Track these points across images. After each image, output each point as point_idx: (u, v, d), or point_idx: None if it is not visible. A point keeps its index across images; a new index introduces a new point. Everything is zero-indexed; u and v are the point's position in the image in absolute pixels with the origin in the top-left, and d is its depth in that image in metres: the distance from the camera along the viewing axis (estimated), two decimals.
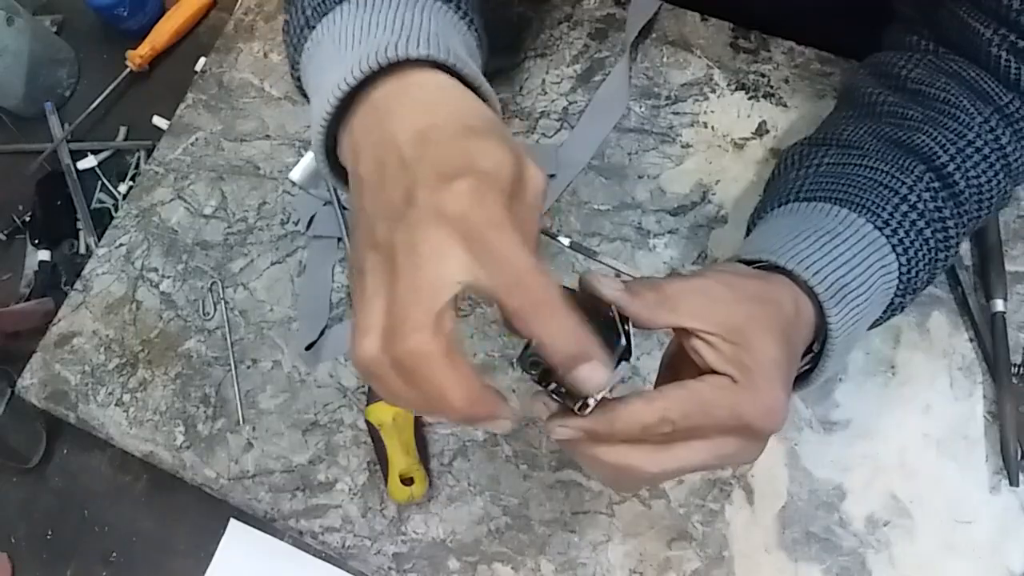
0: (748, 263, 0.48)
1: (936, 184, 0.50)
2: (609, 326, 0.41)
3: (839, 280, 0.46)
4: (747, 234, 0.56)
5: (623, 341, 0.41)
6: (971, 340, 0.64)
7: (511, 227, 0.37)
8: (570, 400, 0.41)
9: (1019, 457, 0.60)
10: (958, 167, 0.50)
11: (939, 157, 0.50)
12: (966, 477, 0.61)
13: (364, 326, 0.37)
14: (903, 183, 0.49)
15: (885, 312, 0.51)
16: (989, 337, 0.63)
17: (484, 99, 0.44)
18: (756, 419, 0.41)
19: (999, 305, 0.63)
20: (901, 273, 0.49)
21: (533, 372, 0.41)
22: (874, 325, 0.52)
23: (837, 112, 0.59)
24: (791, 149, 0.57)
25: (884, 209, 0.48)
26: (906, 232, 0.48)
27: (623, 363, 0.41)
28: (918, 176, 0.49)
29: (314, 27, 0.48)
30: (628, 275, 0.67)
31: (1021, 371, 0.62)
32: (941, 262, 0.51)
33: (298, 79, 0.51)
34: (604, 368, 0.38)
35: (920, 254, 0.49)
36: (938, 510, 0.61)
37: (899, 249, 0.48)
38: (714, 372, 0.41)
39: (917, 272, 0.50)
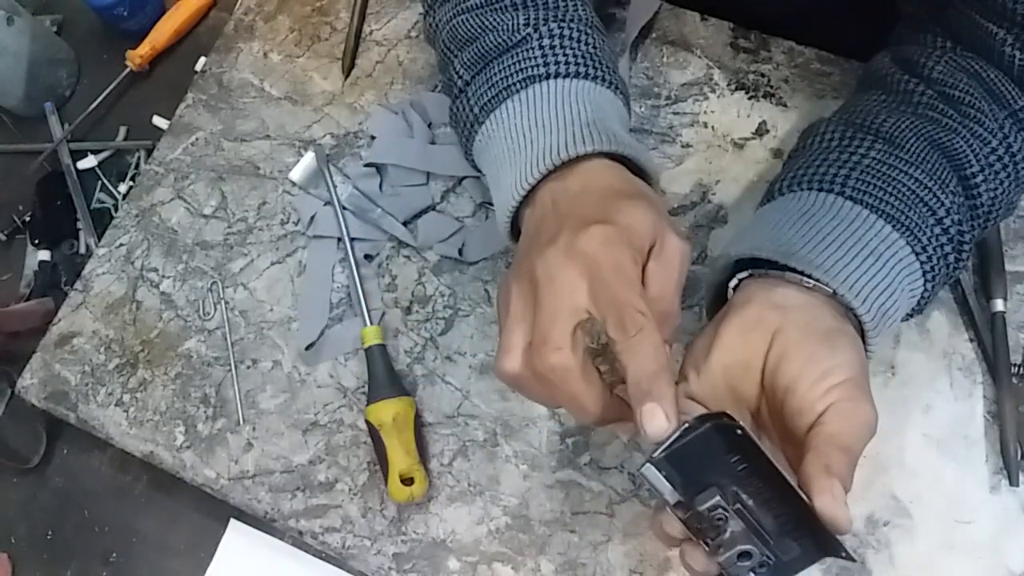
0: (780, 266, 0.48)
1: (962, 198, 0.50)
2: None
3: (882, 307, 0.47)
4: (768, 197, 0.55)
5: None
6: (971, 340, 0.64)
7: (629, 272, 0.44)
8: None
9: (1019, 457, 0.60)
10: (984, 178, 0.50)
11: (971, 166, 0.50)
12: (966, 477, 0.61)
13: (508, 344, 0.45)
14: (941, 203, 0.50)
15: None
16: (989, 337, 0.63)
17: (643, 168, 0.52)
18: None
19: (999, 305, 0.63)
20: (922, 296, 0.50)
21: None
22: None
23: (867, 93, 0.57)
24: (826, 125, 0.56)
25: (924, 232, 0.49)
26: (937, 258, 0.50)
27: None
28: (953, 192, 0.50)
29: (483, 122, 0.55)
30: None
31: (1021, 371, 0.62)
32: (947, 282, 0.53)
33: (471, 159, 0.59)
34: (667, 419, 0.41)
35: (939, 278, 0.50)
36: (938, 510, 0.61)
37: (929, 275, 0.50)
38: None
39: (932, 295, 0.51)
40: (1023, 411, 0.61)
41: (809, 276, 0.47)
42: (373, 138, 0.76)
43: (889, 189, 0.50)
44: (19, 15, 0.87)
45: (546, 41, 0.54)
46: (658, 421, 0.41)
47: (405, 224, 0.72)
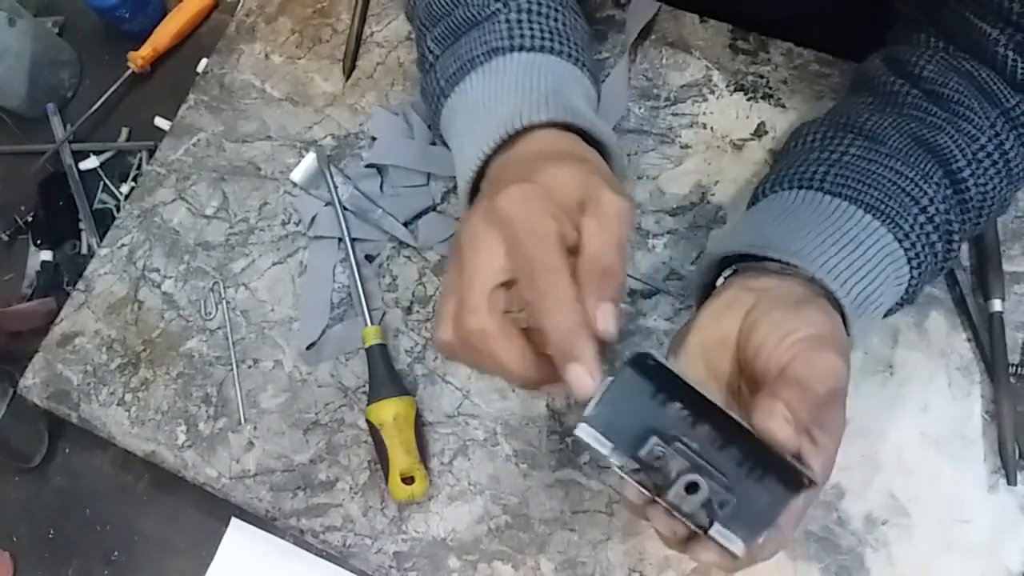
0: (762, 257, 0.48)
1: (949, 191, 0.51)
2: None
3: (862, 292, 0.47)
4: (753, 200, 0.56)
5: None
6: (969, 340, 0.64)
7: (543, 230, 0.42)
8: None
9: (1017, 456, 0.60)
10: (972, 172, 0.51)
11: (957, 161, 0.50)
12: (964, 476, 0.61)
13: (440, 314, 0.44)
14: (924, 192, 0.50)
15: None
16: (987, 337, 0.63)
17: (600, 140, 0.50)
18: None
19: (997, 305, 0.63)
20: (909, 284, 0.50)
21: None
22: None
23: (855, 97, 0.58)
24: (810, 126, 0.57)
25: (906, 220, 0.49)
26: (922, 246, 0.50)
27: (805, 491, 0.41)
28: (937, 183, 0.50)
29: (448, 95, 0.55)
30: (630, 275, 0.68)
31: (1019, 371, 0.62)
32: (937, 272, 0.53)
33: (439, 134, 0.59)
34: (590, 376, 0.39)
35: (926, 265, 0.50)
36: (936, 509, 0.61)
37: (914, 263, 0.50)
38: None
39: (920, 283, 0.51)
40: (1021, 411, 0.61)
41: (787, 263, 0.47)
42: (374, 139, 0.76)
43: (868, 181, 0.50)
44: (21, 16, 0.87)
45: (513, 16, 0.55)
46: (583, 380, 0.39)
47: (406, 224, 0.73)
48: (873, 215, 0.49)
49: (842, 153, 0.53)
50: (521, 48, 0.54)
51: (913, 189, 0.50)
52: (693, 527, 0.40)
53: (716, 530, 0.40)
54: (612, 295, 0.41)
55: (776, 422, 0.39)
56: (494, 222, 0.43)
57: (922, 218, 0.49)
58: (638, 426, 0.40)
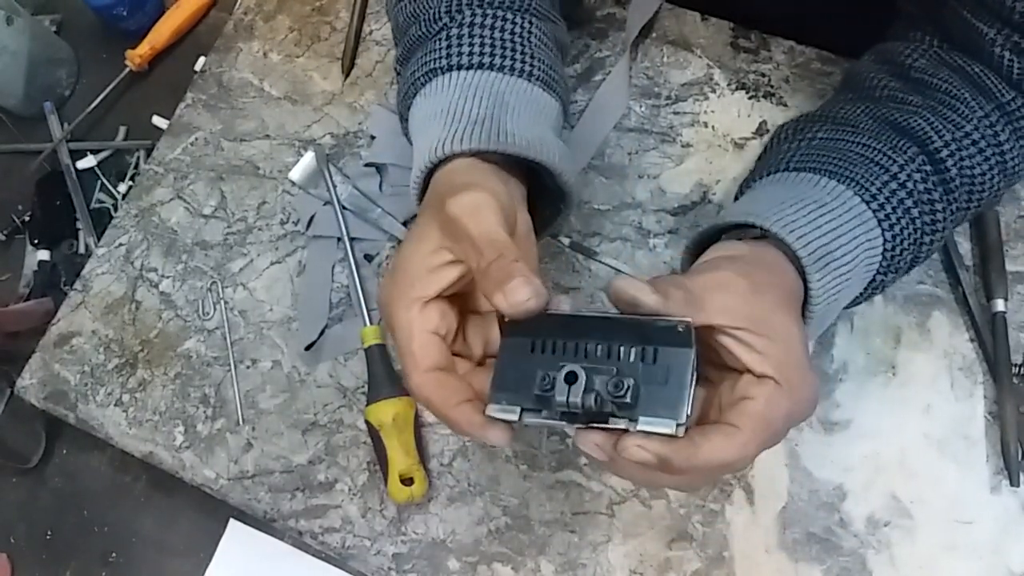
0: (734, 227, 0.49)
1: (928, 168, 0.50)
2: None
3: (823, 247, 0.46)
4: (736, 196, 0.57)
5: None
6: (972, 340, 0.64)
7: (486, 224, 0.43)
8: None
9: (1020, 457, 0.60)
10: (952, 154, 0.50)
11: (933, 142, 0.50)
12: (967, 477, 0.61)
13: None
14: (894, 161, 0.50)
15: (866, 289, 0.51)
16: (990, 337, 0.63)
17: (534, 158, 0.49)
18: (801, 414, 0.42)
19: (1000, 305, 0.63)
20: (885, 249, 0.49)
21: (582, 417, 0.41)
22: (854, 303, 0.53)
23: (838, 94, 0.60)
24: (786, 124, 0.58)
25: (873, 184, 0.49)
26: (893, 208, 0.49)
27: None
28: (910, 157, 0.50)
29: (406, 119, 0.55)
30: (630, 275, 0.68)
31: (1022, 371, 0.62)
32: (927, 246, 0.51)
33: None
34: (527, 281, 0.40)
35: (906, 232, 0.50)
36: (939, 510, 0.61)
37: (885, 224, 0.49)
38: (749, 372, 0.41)
39: (901, 251, 0.50)
40: (1023, 411, 0.61)
41: (743, 225, 0.47)
42: (373, 138, 0.76)
43: (834, 155, 0.50)
44: (18, 15, 0.87)
45: (455, 31, 0.53)
46: (519, 290, 0.40)
47: (405, 224, 0.72)
48: (838, 180, 0.49)
49: (810, 139, 0.54)
50: (458, 67, 0.52)
51: (881, 159, 0.50)
52: (609, 427, 0.40)
53: (642, 423, 0.39)
54: (504, 275, 0.41)
55: (620, 282, 0.40)
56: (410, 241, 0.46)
57: (893, 184, 0.49)
58: (533, 377, 0.41)
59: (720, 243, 0.50)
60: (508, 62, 0.53)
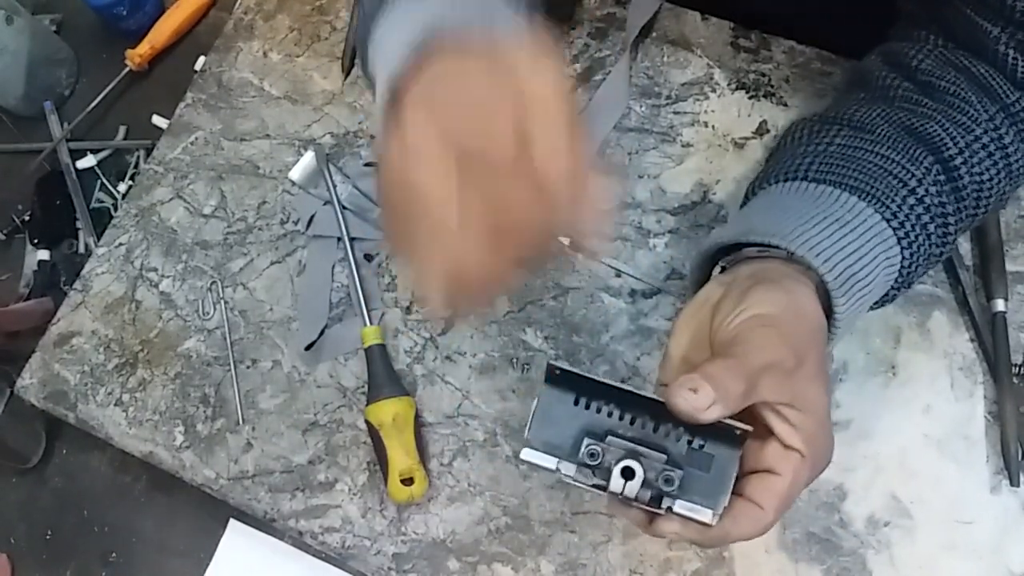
0: (754, 244, 0.48)
1: (942, 177, 0.50)
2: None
3: (848, 269, 0.46)
4: (744, 202, 0.56)
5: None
6: (972, 340, 0.64)
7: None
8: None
9: (1020, 457, 0.60)
10: (965, 161, 0.50)
11: (948, 149, 0.50)
12: (967, 477, 0.61)
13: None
14: (912, 175, 0.49)
15: (877, 302, 0.51)
16: (990, 337, 0.63)
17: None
18: (818, 476, 0.44)
19: (1000, 305, 0.63)
20: (903, 266, 0.49)
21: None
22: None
23: (848, 94, 0.58)
24: (799, 123, 0.57)
25: (893, 201, 0.48)
26: (912, 225, 0.49)
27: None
28: (927, 168, 0.50)
29: (376, 28, 0.49)
30: (630, 275, 0.68)
31: (1022, 371, 0.62)
32: (936, 257, 0.51)
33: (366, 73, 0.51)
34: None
35: (922, 248, 0.50)
36: (939, 510, 0.61)
37: (904, 243, 0.49)
38: (774, 439, 0.42)
39: (916, 267, 0.50)
40: None
41: (768, 246, 0.47)
42: (373, 137, 0.76)
43: (853, 166, 0.50)
44: (18, 14, 0.86)
45: None
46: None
47: None
48: (859, 196, 0.48)
49: (828, 144, 0.53)
50: None
51: (900, 172, 0.49)
52: (652, 510, 0.42)
53: (680, 506, 0.41)
54: (592, 180, 0.39)
55: (675, 392, 0.39)
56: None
57: (911, 199, 0.49)
58: (573, 434, 0.42)
59: (751, 263, 0.48)
60: None
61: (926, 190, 0.49)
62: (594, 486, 0.42)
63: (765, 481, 0.42)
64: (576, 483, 0.42)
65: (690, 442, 0.42)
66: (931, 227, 0.49)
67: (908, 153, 0.50)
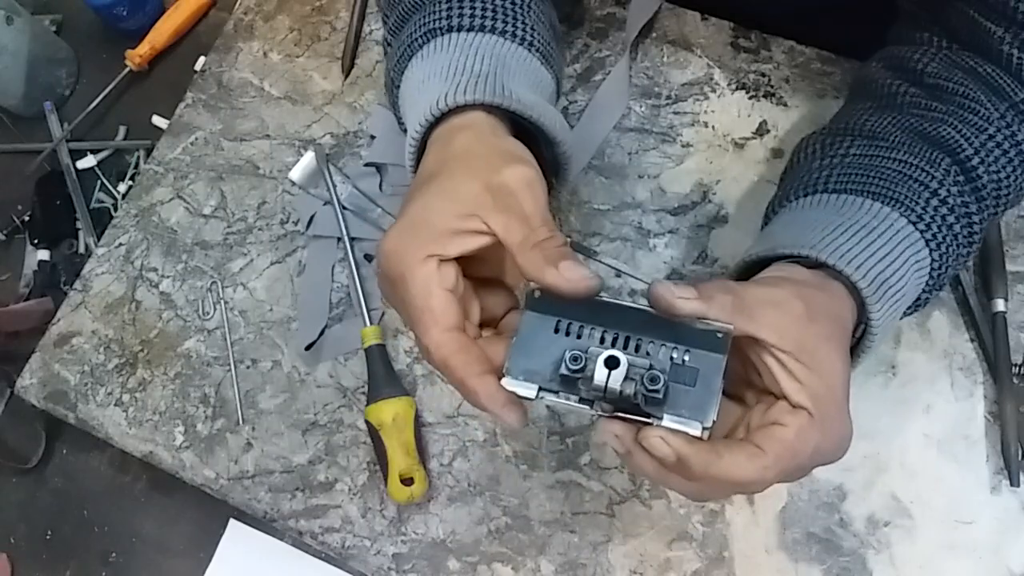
0: (782, 257, 0.48)
1: (961, 178, 0.50)
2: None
3: (880, 275, 0.46)
4: (765, 221, 0.56)
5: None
6: (972, 340, 0.64)
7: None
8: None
9: (1020, 457, 0.60)
10: (982, 160, 0.50)
11: (964, 150, 0.50)
12: (967, 477, 0.61)
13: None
14: (932, 177, 0.49)
15: (910, 308, 0.51)
16: (990, 337, 0.63)
17: (538, 123, 0.48)
18: (830, 454, 0.43)
19: (1000, 305, 0.63)
20: (933, 268, 0.49)
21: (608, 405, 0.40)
22: None
23: (854, 104, 0.58)
24: (810, 138, 0.56)
25: (917, 204, 0.48)
26: (938, 227, 0.48)
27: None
28: (945, 170, 0.49)
29: (399, 85, 0.54)
30: (630, 275, 0.68)
31: (1022, 371, 0.62)
32: (964, 257, 0.51)
33: (403, 126, 0.55)
34: (581, 267, 0.40)
35: (950, 249, 0.49)
36: (939, 510, 0.61)
37: (932, 244, 0.48)
38: (785, 399, 0.41)
39: (946, 268, 0.50)
40: None
41: (797, 257, 0.47)
42: (373, 137, 0.76)
43: (872, 173, 0.50)
44: (19, 15, 0.87)
45: None
46: (578, 267, 0.40)
47: None
48: (883, 202, 0.48)
49: (843, 155, 0.52)
50: (459, 28, 0.51)
51: (921, 175, 0.49)
52: (639, 419, 0.40)
53: (668, 420, 0.39)
54: (559, 254, 0.41)
55: (657, 282, 0.39)
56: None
57: (934, 201, 0.49)
58: (556, 352, 0.41)
59: (778, 264, 0.48)
60: (510, 28, 0.52)
61: (948, 191, 0.49)
62: (580, 401, 0.40)
63: (770, 429, 0.41)
64: (560, 403, 0.41)
65: (673, 358, 0.40)
66: (956, 227, 0.49)
67: (925, 157, 0.50)
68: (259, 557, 0.72)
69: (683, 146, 0.71)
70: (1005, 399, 0.61)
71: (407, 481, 0.63)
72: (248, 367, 0.71)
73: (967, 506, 0.60)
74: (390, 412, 0.64)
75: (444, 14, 0.52)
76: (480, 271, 0.45)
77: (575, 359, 0.39)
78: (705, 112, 0.71)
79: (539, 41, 0.53)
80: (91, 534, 0.75)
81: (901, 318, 0.52)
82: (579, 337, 0.42)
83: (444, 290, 0.42)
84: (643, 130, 0.72)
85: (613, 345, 0.41)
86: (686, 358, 0.40)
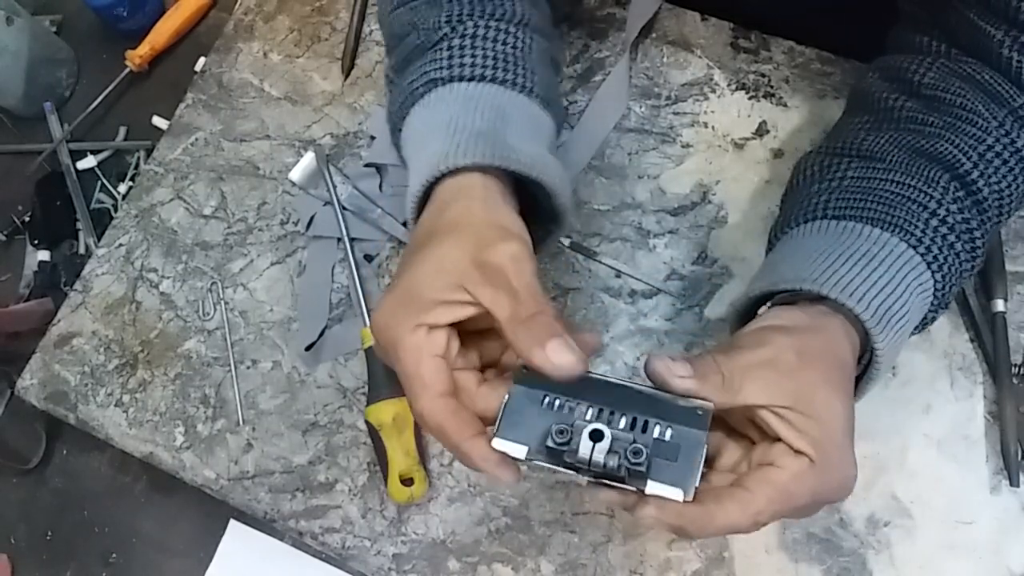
0: (785, 291, 0.48)
1: (961, 193, 0.50)
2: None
3: (882, 304, 0.46)
4: (768, 247, 0.56)
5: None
6: (971, 340, 0.64)
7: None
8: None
9: (1019, 457, 0.60)
10: (981, 173, 0.50)
11: (962, 164, 0.50)
12: (966, 477, 0.61)
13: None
14: (931, 197, 0.49)
15: (917, 327, 0.51)
16: (989, 337, 0.63)
17: (537, 179, 0.49)
18: (832, 496, 0.43)
19: (999, 305, 0.63)
20: (936, 290, 0.49)
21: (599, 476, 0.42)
22: None
23: (851, 117, 0.58)
24: (808, 159, 0.56)
25: (916, 227, 0.48)
26: (939, 248, 0.48)
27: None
28: (944, 187, 0.49)
29: (400, 130, 0.54)
30: (630, 275, 0.68)
31: (1021, 371, 0.62)
32: (968, 272, 0.51)
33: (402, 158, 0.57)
34: (572, 351, 0.41)
35: (953, 268, 0.49)
36: (939, 510, 0.61)
37: (934, 266, 0.48)
38: (783, 442, 0.42)
39: (950, 288, 0.50)
40: (1023, 411, 0.61)
41: (798, 291, 0.47)
42: (373, 138, 0.76)
43: (870, 197, 0.49)
44: (19, 15, 0.87)
45: (456, 42, 0.52)
46: (565, 352, 0.41)
47: (405, 224, 0.72)
48: (882, 228, 0.48)
49: (841, 178, 0.52)
50: (460, 78, 0.51)
51: (919, 196, 0.49)
52: (624, 487, 0.42)
53: (652, 486, 0.41)
54: (546, 333, 0.42)
55: (654, 356, 0.42)
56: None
57: (934, 221, 0.48)
58: (543, 424, 0.43)
59: (773, 310, 0.49)
60: (510, 76, 0.52)
61: (947, 209, 0.49)
62: (567, 466, 0.42)
63: (762, 471, 0.42)
64: (546, 466, 0.42)
65: (656, 434, 0.42)
66: (958, 245, 0.49)
67: (923, 176, 0.50)
68: (259, 557, 0.72)
69: (683, 146, 0.71)
70: (1005, 399, 0.61)
71: (407, 481, 0.63)
72: (248, 368, 0.71)
73: (967, 506, 0.60)
74: (390, 412, 0.64)
75: (445, 63, 0.52)
76: (476, 324, 0.46)
77: (561, 432, 0.41)
78: (705, 112, 0.71)
79: (539, 85, 0.53)
80: (91, 534, 0.75)
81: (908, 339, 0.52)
82: (565, 411, 0.43)
83: (433, 357, 0.43)
84: (643, 130, 0.72)
85: (598, 419, 0.43)
86: (668, 434, 0.42)
